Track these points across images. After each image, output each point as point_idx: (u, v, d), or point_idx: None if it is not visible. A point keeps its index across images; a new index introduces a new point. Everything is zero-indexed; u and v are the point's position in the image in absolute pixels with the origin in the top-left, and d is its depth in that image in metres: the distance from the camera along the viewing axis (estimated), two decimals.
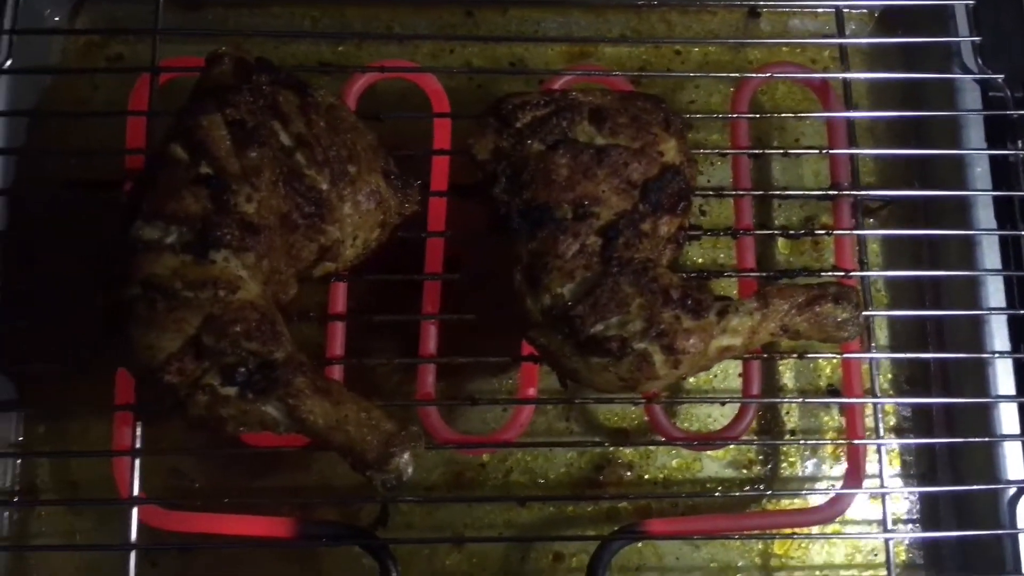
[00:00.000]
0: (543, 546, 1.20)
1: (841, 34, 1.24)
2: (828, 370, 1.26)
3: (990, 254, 1.20)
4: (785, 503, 1.22)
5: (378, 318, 1.13)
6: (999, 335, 1.18)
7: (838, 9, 1.24)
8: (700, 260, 1.28)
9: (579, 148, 1.01)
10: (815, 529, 1.21)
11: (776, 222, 1.29)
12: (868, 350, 1.12)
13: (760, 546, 1.21)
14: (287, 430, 0.95)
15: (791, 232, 1.22)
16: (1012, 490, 1.13)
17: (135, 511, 1.05)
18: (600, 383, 0.98)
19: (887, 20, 1.37)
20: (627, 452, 1.23)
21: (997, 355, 1.16)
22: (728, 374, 1.25)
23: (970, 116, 1.24)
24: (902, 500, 1.24)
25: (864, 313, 1.06)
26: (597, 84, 1.17)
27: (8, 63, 1.18)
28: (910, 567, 1.21)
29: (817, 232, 1.21)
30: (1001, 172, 1.21)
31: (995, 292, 1.19)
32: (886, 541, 1.08)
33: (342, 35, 1.35)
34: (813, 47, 1.37)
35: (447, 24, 1.36)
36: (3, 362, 1.15)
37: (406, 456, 0.94)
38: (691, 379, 1.23)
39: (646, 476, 1.23)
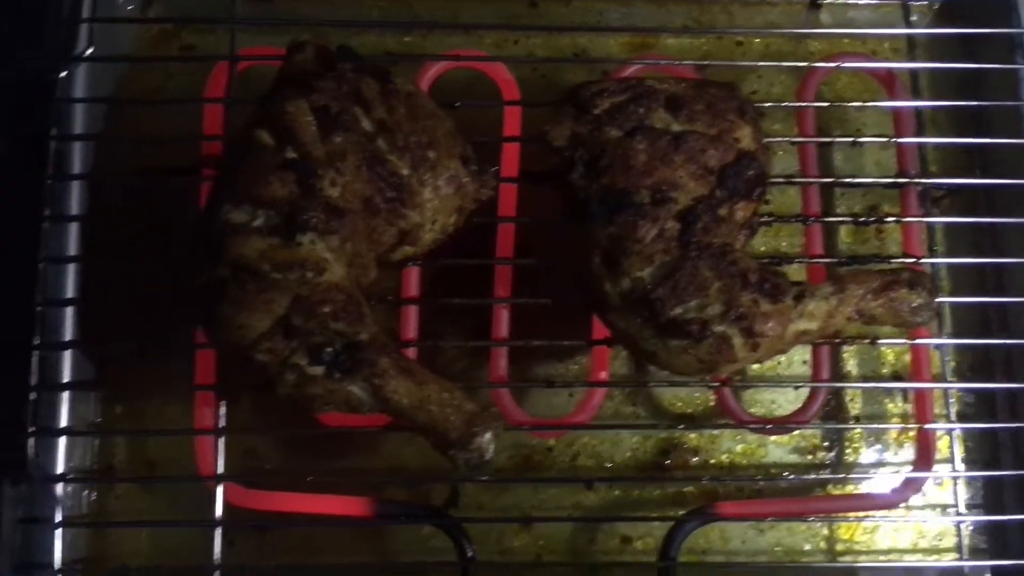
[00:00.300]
0: (610, 528, 1.21)
1: (907, 24, 1.26)
2: (891, 357, 1.27)
3: None
4: (850, 488, 1.23)
5: (455, 301, 1.14)
6: None
7: (904, 0, 1.26)
8: (763, 248, 1.29)
9: (656, 134, 1.02)
10: (884, 513, 1.21)
11: (838, 211, 1.30)
12: (939, 336, 1.13)
13: (825, 531, 1.22)
14: (371, 409, 0.96)
15: (861, 219, 1.23)
16: None
17: (220, 489, 1.07)
18: (679, 366, 1.00)
19: (946, 12, 1.38)
20: (692, 437, 1.24)
21: None
22: (792, 361, 1.26)
23: None
24: (966, 486, 1.24)
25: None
26: (666, 73, 1.18)
27: (90, 51, 1.20)
28: (975, 551, 1.22)
29: (886, 219, 1.22)
30: None
31: None
32: (957, 525, 1.09)
33: (411, 24, 1.37)
34: (874, 38, 1.38)
35: (512, 15, 1.37)
36: (83, 343, 1.17)
37: (488, 435, 0.95)
38: (755, 366, 1.23)
39: (711, 461, 1.24)
